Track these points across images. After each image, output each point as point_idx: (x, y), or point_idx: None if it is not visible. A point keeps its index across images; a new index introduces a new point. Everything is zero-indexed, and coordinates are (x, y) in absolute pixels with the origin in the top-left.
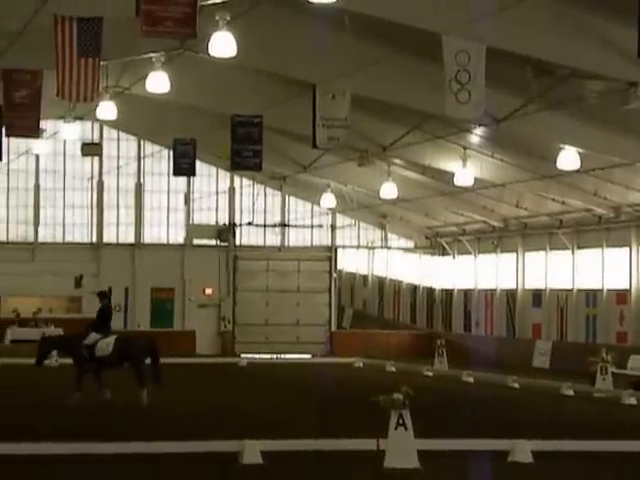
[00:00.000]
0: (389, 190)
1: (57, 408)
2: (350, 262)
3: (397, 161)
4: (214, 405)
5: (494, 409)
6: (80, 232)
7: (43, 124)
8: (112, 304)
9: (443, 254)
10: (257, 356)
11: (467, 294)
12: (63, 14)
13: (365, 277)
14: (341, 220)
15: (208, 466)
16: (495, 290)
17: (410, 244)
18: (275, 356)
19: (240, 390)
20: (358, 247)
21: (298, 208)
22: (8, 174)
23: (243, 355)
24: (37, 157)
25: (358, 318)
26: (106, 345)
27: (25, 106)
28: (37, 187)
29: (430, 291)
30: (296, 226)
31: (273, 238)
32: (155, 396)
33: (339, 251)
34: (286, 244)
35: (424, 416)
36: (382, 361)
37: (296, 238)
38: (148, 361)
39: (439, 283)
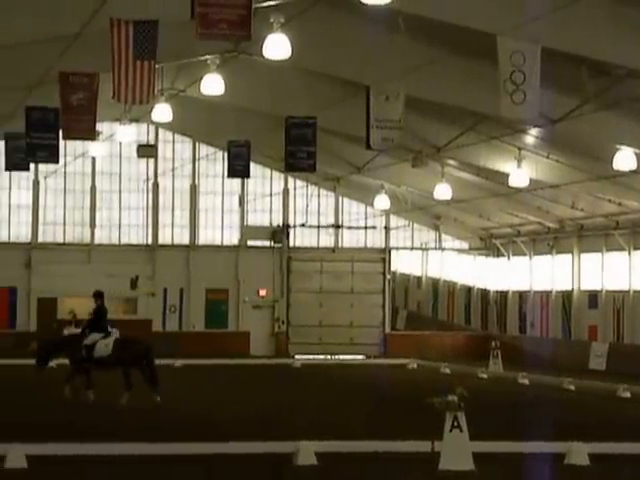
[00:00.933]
0: (443, 191)
1: (104, 408)
2: (404, 263)
3: (451, 162)
4: (268, 406)
5: (550, 411)
6: (135, 234)
7: (99, 126)
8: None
9: (498, 255)
10: (311, 357)
11: (522, 295)
12: (119, 17)
13: (419, 278)
14: (395, 221)
15: (263, 467)
16: (550, 291)
17: (464, 245)
18: (329, 357)
19: (294, 391)
20: (412, 248)
21: (352, 209)
22: (65, 176)
23: (297, 356)
24: (93, 159)
25: (412, 319)
26: (105, 346)
27: (82, 108)
28: (93, 189)
29: (485, 292)
30: (350, 227)
31: (327, 239)
32: (209, 397)
33: (393, 252)
34: (340, 245)
35: (479, 418)
36: (436, 363)
37: (350, 239)
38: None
39: (494, 284)
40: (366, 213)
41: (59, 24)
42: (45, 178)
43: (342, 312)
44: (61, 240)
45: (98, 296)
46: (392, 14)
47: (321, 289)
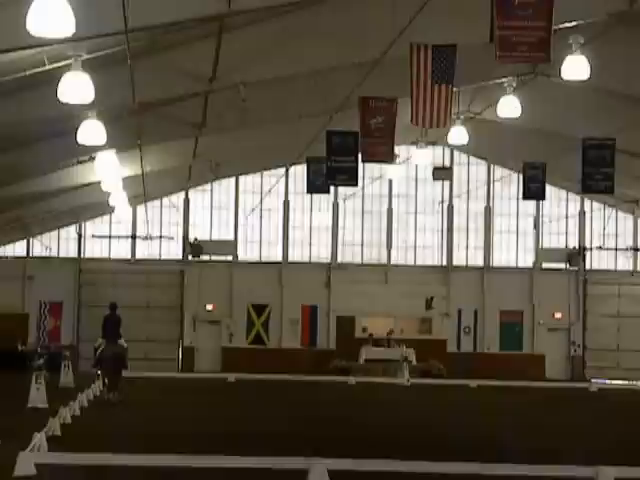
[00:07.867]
0: None
1: (417, 426)
2: None
3: None
4: (562, 430)
5: None
6: (430, 255)
7: (396, 149)
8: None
9: None
10: (608, 382)
11: None
12: (419, 43)
13: None
14: None
15: None
16: None
17: None
18: (628, 382)
19: (591, 416)
20: None
21: None
22: (363, 198)
23: (594, 380)
24: (390, 182)
25: None
26: (102, 351)
27: (380, 132)
28: (390, 211)
29: None
30: None
31: (625, 262)
32: (500, 418)
33: None
34: (639, 269)
35: None
36: None
37: None
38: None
39: None
40: None
41: (361, 51)
42: (344, 200)
43: None
44: (359, 260)
45: (111, 307)
46: None
47: (618, 313)
